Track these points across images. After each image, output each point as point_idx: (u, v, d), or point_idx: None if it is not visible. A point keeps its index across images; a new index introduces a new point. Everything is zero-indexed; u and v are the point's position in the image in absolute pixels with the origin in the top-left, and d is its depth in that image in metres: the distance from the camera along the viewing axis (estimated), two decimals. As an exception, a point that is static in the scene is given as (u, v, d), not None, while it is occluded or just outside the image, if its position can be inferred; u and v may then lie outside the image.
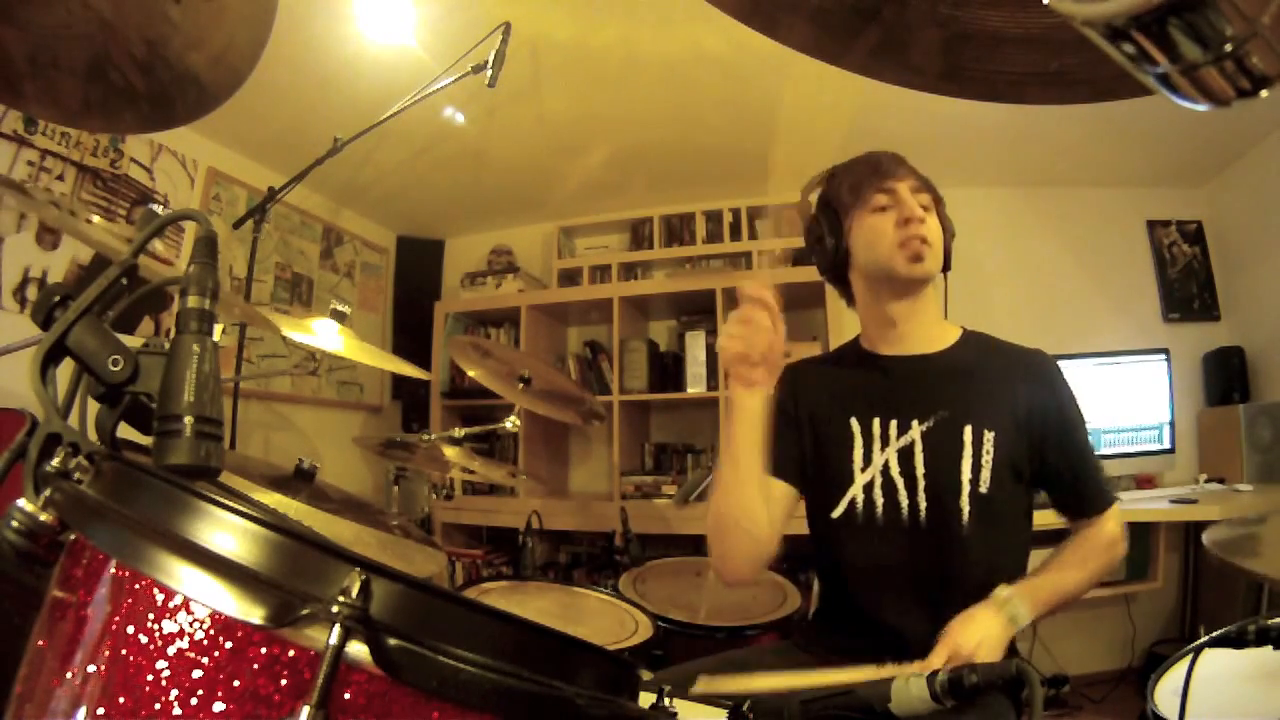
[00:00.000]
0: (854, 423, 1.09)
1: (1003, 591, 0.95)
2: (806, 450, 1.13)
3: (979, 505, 1.00)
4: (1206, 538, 0.97)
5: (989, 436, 1.02)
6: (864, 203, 1.08)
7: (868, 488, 1.06)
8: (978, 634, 0.90)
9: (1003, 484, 1.01)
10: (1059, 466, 1.04)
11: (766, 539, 1.02)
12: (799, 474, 1.12)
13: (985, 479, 1.00)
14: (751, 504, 1.00)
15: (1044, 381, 1.07)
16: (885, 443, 1.06)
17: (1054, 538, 1.09)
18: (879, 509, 1.04)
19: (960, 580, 1.00)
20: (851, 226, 1.11)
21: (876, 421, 1.08)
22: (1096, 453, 1.09)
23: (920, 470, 1.03)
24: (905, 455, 1.05)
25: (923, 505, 1.02)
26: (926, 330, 1.13)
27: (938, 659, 0.88)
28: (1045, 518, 1.10)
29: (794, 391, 1.16)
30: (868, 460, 1.07)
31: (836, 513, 1.07)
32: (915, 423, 1.05)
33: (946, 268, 1.14)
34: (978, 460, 1.01)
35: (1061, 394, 1.07)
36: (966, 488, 1.00)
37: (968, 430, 1.03)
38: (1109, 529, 1.06)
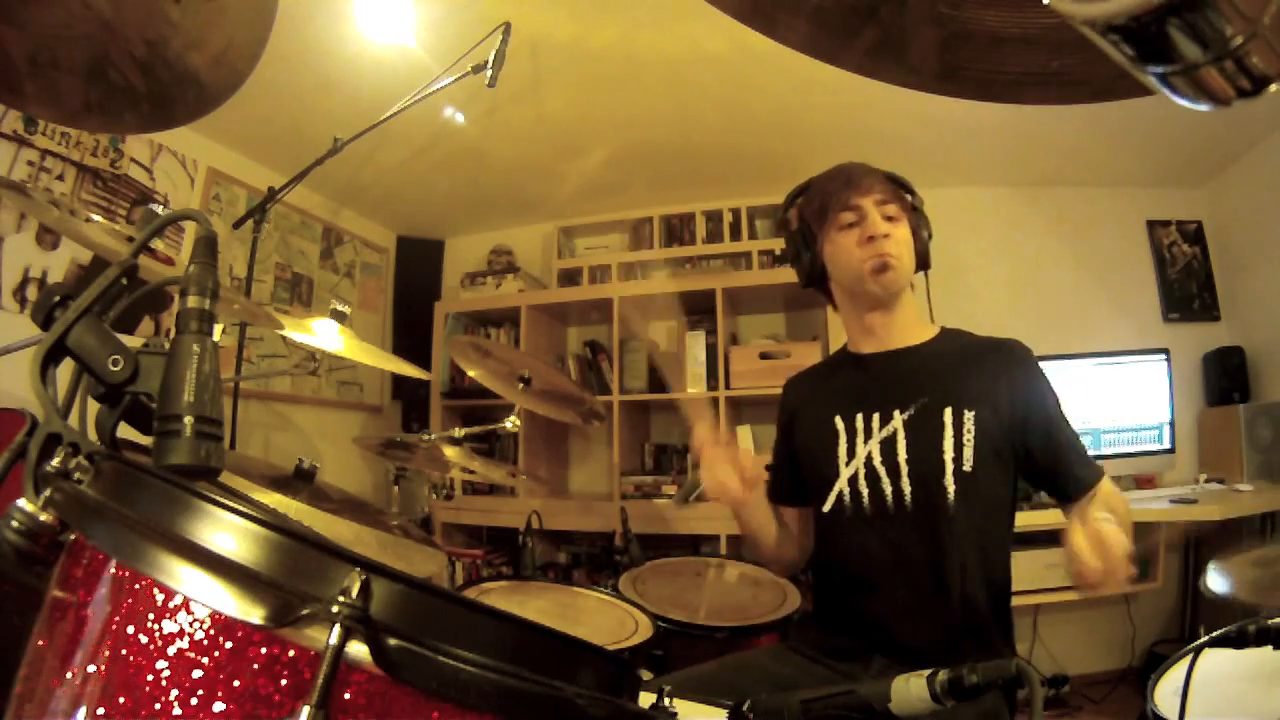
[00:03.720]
0: (838, 420, 1.12)
1: (1099, 512, 0.89)
2: (797, 458, 1.20)
3: (964, 483, 1.02)
4: (1217, 585, 0.95)
5: (969, 415, 1.04)
6: (832, 220, 1.13)
7: (852, 480, 1.08)
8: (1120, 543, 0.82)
9: (985, 462, 1.02)
10: (1043, 447, 1.05)
11: (799, 553, 1.24)
12: (796, 492, 1.22)
13: (968, 456, 1.02)
14: (780, 545, 1.21)
15: (1017, 366, 1.10)
16: (868, 435, 1.09)
17: (1056, 538, 1.09)
18: (865, 500, 1.06)
19: (948, 563, 1.01)
20: (823, 243, 1.15)
21: (859, 416, 1.11)
22: (1076, 433, 1.08)
23: (903, 457, 1.05)
24: (888, 445, 1.07)
25: (907, 490, 1.04)
26: (906, 329, 1.16)
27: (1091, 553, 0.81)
28: (1046, 517, 1.10)
29: (789, 406, 1.25)
30: (851, 454, 1.09)
31: (826, 507, 1.10)
32: (897, 413, 1.08)
33: (926, 266, 1.17)
34: (959, 439, 1.03)
35: (1036, 376, 1.09)
36: (950, 466, 1.02)
37: (948, 412, 1.05)
38: (1105, 490, 1.04)
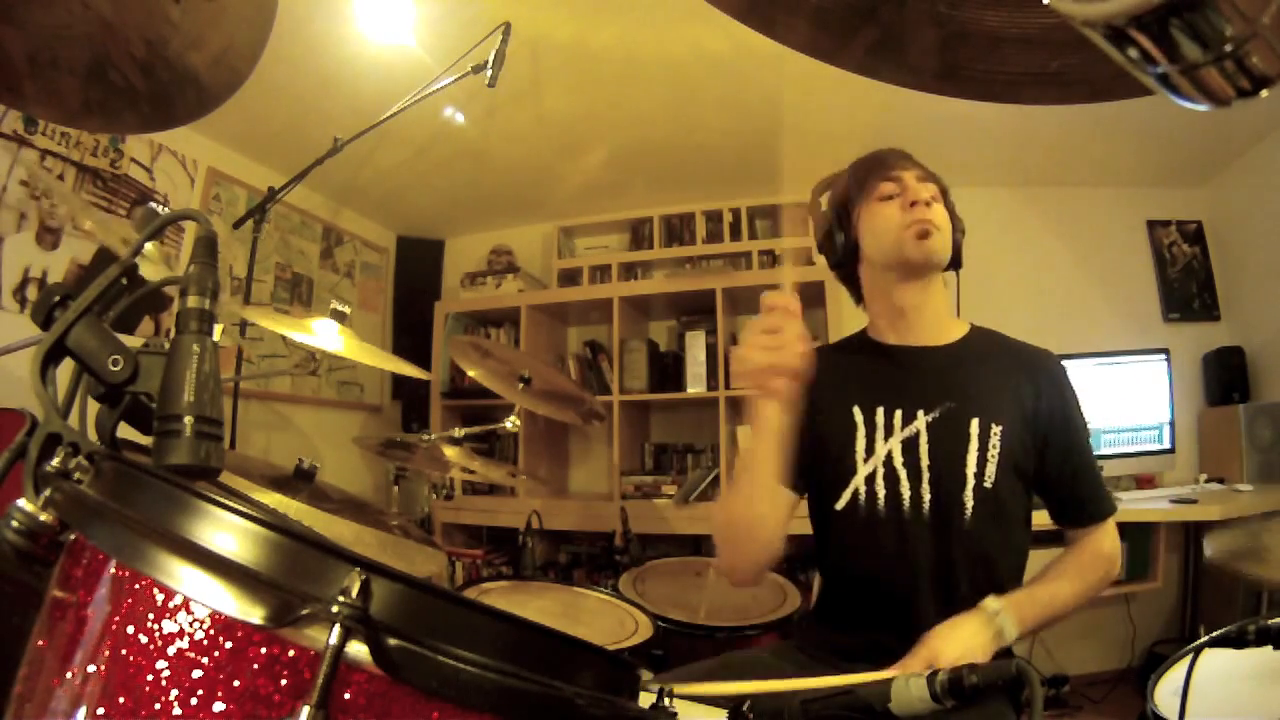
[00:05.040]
0: (857, 412, 1.07)
1: (992, 604, 0.93)
2: (806, 444, 1.10)
3: (982, 500, 0.99)
4: (1208, 548, 0.97)
5: (996, 430, 1.00)
6: (870, 193, 1.09)
7: (870, 479, 1.04)
8: (960, 646, 0.88)
9: (1007, 480, 1.00)
10: (1059, 469, 1.03)
11: (774, 545, 1.04)
12: (801, 478, 1.10)
13: (990, 473, 0.99)
14: (766, 513, 1.01)
15: (1051, 382, 1.06)
16: (889, 432, 1.05)
17: (1055, 538, 1.09)
18: (881, 501, 1.03)
19: (961, 576, 0.99)
20: (860, 217, 1.11)
21: (880, 411, 1.06)
22: (1097, 461, 1.08)
23: (925, 462, 1.02)
24: (910, 446, 1.03)
25: (926, 497, 1.01)
26: (935, 323, 1.11)
27: (914, 665, 0.86)
28: (1045, 517, 1.09)
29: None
30: (870, 450, 1.05)
31: (840, 504, 1.06)
32: (921, 413, 1.04)
33: (957, 264, 1.13)
34: (984, 454, 1.00)
35: (1067, 396, 1.06)
36: (971, 481, 0.99)
37: (975, 423, 1.01)
38: (1105, 544, 1.05)
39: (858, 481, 1.05)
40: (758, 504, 0.99)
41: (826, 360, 1.17)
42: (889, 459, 1.04)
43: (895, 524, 1.02)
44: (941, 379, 1.06)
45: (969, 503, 0.99)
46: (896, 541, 1.02)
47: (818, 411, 1.11)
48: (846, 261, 1.16)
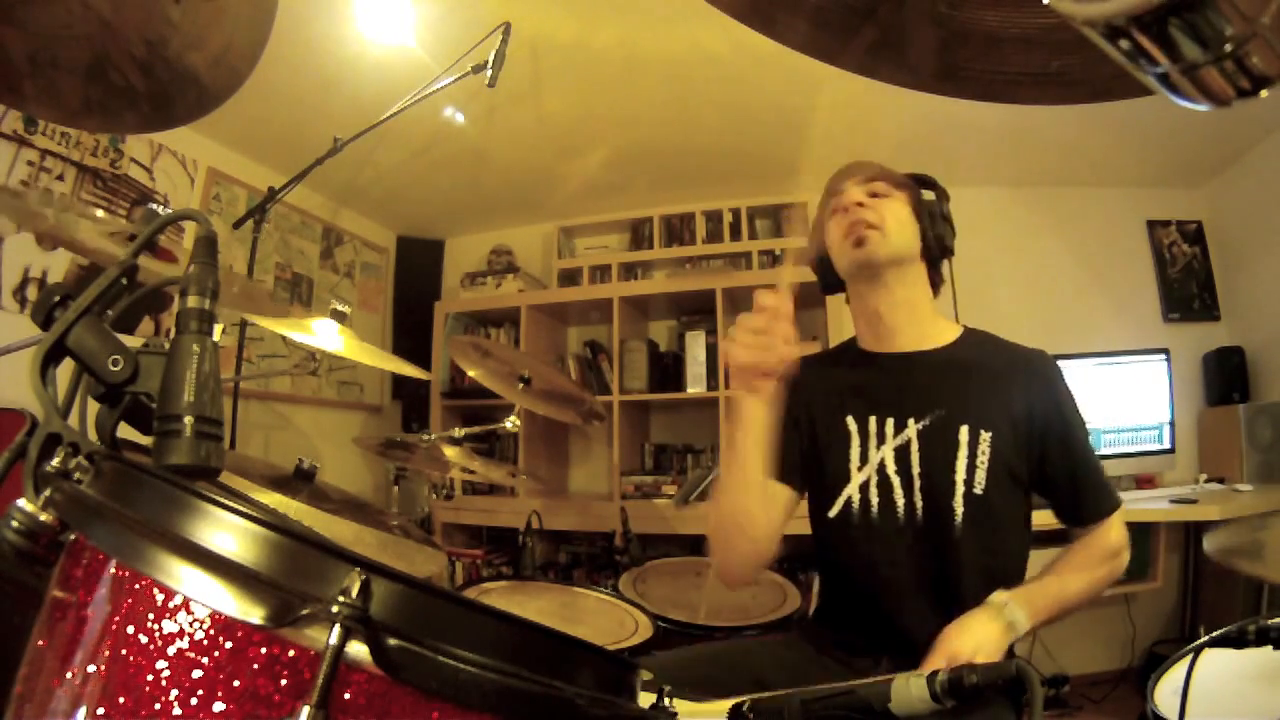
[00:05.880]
0: (850, 421, 1.08)
1: (999, 596, 0.93)
2: (805, 450, 1.13)
3: (973, 507, 0.99)
4: (1208, 544, 0.97)
5: (985, 437, 1.00)
6: (826, 214, 1.13)
7: (864, 487, 1.05)
8: (974, 640, 0.89)
9: (999, 486, 1.00)
10: (1057, 470, 1.03)
11: (765, 542, 1.04)
12: (799, 475, 1.11)
13: (980, 480, 0.99)
14: (753, 508, 1.00)
15: (1044, 382, 1.05)
16: (881, 440, 1.05)
17: (1055, 538, 1.09)
18: (875, 508, 1.03)
19: (956, 582, 0.99)
20: (826, 240, 1.14)
21: (873, 419, 1.07)
22: (1097, 457, 1.07)
23: (917, 469, 1.02)
24: (902, 453, 1.04)
25: (919, 505, 1.01)
26: (920, 326, 1.11)
27: (934, 664, 0.87)
28: (1046, 517, 1.09)
29: (793, 390, 1.16)
30: (864, 459, 1.06)
31: (833, 512, 1.06)
32: (912, 420, 1.04)
33: (944, 255, 1.13)
34: (973, 461, 1.00)
35: (1061, 396, 1.05)
36: (960, 489, 0.99)
37: (964, 430, 1.01)
38: (1111, 537, 1.04)
39: (850, 490, 1.06)
40: (744, 498, 0.99)
41: (818, 370, 1.19)
42: (882, 467, 1.04)
43: (889, 532, 1.02)
44: (932, 385, 1.06)
45: (959, 510, 0.99)
46: (890, 549, 1.02)
47: (813, 421, 1.13)
48: (830, 281, 1.18)
